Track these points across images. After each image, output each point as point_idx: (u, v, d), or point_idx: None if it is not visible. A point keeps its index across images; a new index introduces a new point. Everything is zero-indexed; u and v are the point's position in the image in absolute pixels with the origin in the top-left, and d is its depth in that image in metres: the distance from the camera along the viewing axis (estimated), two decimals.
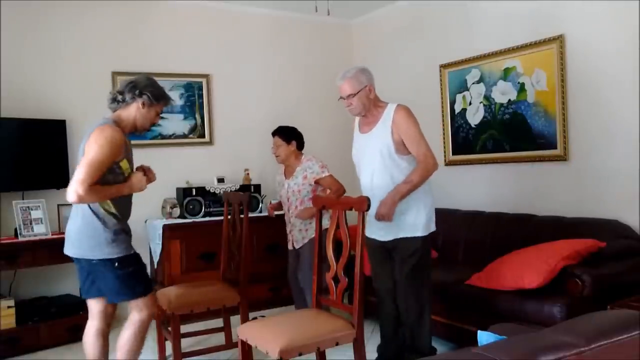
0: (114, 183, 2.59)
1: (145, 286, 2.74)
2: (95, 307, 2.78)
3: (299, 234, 3.81)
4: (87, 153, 2.50)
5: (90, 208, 2.59)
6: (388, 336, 3.14)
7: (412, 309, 2.98)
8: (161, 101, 2.77)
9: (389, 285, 3.07)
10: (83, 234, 2.61)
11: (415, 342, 3.01)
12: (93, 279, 2.71)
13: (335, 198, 3.57)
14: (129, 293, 2.67)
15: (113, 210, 2.63)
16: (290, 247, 3.93)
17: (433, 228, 3.04)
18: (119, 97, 2.69)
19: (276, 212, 4.13)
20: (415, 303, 2.97)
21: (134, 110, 2.70)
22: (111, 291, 2.68)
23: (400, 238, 2.94)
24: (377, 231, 3.00)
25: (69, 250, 2.70)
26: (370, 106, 2.97)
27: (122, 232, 2.66)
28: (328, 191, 3.74)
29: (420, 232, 2.94)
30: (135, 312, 2.72)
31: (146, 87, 2.70)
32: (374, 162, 2.94)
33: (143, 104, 2.69)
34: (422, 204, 2.94)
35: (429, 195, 2.99)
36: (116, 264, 2.60)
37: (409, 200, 2.89)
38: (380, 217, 2.87)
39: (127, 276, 2.64)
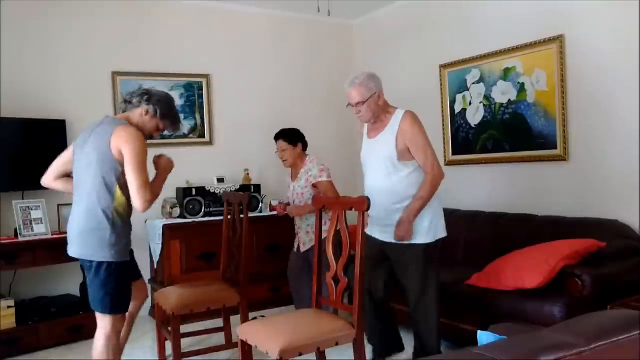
0: None
1: (122, 304, 2.68)
2: None
3: (307, 236, 3.76)
4: (128, 155, 2.50)
5: (101, 209, 2.56)
6: (371, 332, 3.15)
7: (421, 313, 2.98)
8: (165, 120, 2.78)
9: (376, 285, 3.06)
10: (86, 234, 2.58)
11: (424, 346, 3.00)
12: None
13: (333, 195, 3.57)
14: (105, 306, 2.62)
15: (122, 210, 2.61)
16: (296, 248, 3.87)
17: (441, 234, 2.98)
18: (128, 98, 2.74)
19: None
20: (423, 309, 2.97)
21: (137, 115, 2.72)
22: (93, 297, 2.64)
23: (400, 244, 2.92)
24: (380, 234, 3.00)
25: (71, 250, 2.67)
26: (379, 112, 2.94)
27: (125, 237, 2.64)
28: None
29: (421, 239, 2.90)
30: (103, 327, 2.66)
31: (159, 102, 2.74)
32: (379, 167, 2.94)
33: (147, 111, 2.72)
34: (424, 210, 2.90)
35: (434, 200, 2.94)
36: (111, 268, 2.57)
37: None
38: (400, 239, 2.87)
39: (111, 289, 2.59)
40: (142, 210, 2.55)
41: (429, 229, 2.91)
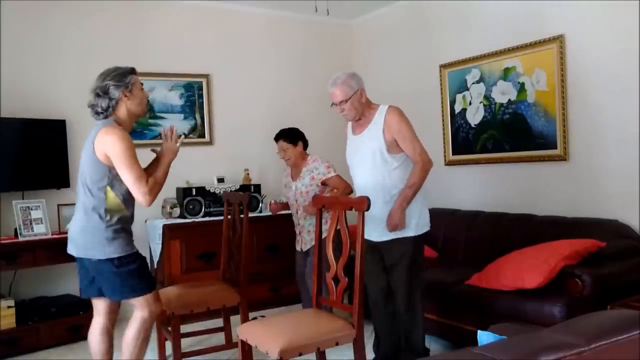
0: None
1: (147, 284, 2.70)
2: (100, 304, 2.78)
3: (308, 235, 3.78)
4: (115, 156, 2.50)
5: (95, 211, 2.58)
6: (382, 335, 3.15)
7: (406, 309, 2.99)
8: (128, 77, 2.65)
9: (381, 284, 3.08)
10: (86, 233, 2.61)
11: (410, 342, 3.02)
12: (93, 277, 2.69)
13: (343, 190, 3.62)
14: (129, 291, 2.65)
15: (116, 211, 2.61)
16: (298, 248, 3.90)
17: (426, 228, 3.04)
18: (98, 109, 2.64)
19: (280, 212, 4.11)
20: (409, 304, 2.98)
21: (124, 107, 2.66)
22: (112, 290, 2.66)
23: (392, 239, 2.95)
24: (370, 232, 2.99)
25: (71, 249, 2.70)
26: (362, 110, 3.01)
27: (123, 231, 2.65)
28: (335, 191, 3.73)
29: (411, 232, 2.95)
30: (137, 310, 2.71)
31: (104, 79, 2.62)
32: (367, 163, 2.97)
33: (125, 95, 2.64)
34: (412, 203, 2.94)
35: (421, 195, 2.99)
36: (116, 263, 2.60)
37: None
38: (394, 228, 2.89)
39: (127, 274, 2.62)
40: (147, 204, 2.56)
41: (418, 223, 2.96)
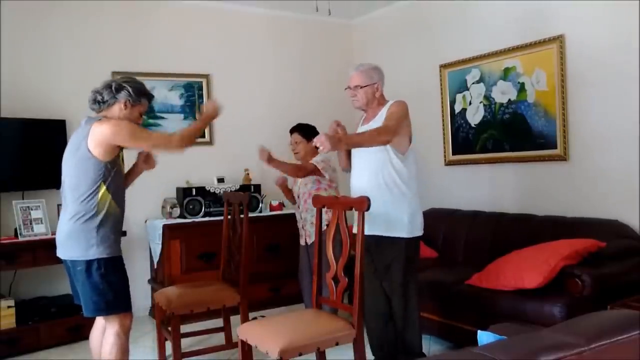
0: (115, 172, 2.61)
1: (121, 303, 2.63)
2: None
3: (312, 227, 3.80)
4: (126, 137, 2.56)
5: (85, 210, 2.55)
6: (375, 331, 3.10)
7: (400, 312, 2.96)
8: (142, 98, 2.71)
9: (368, 282, 3.04)
10: (73, 232, 2.57)
11: (406, 344, 2.99)
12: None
13: (292, 168, 3.73)
14: (99, 309, 2.60)
15: (107, 209, 2.59)
16: (302, 242, 3.93)
17: (418, 232, 2.99)
18: (99, 97, 2.65)
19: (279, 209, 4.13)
20: (405, 306, 2.95)
21: (117, 112, 2.66)
22: (86, 301, 2.60)
23: (382, 236, 2.91)
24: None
25: (60, 252, 2.66)
26: (373, 103, 3.05)
27: (113, 233, 2.63)
28: (328, 190, 3.76)
29: (403, 233, 2.90)
30: (109, 326, 2.66)
31: (126, 82, 2.68)
32: (365, 156, 2.98)
33: (125, 104, 2.65)
34: (405, 203, 2.92)
35: (416, 198, 2.97)
36: (101, 268, 2.55)
37: (393, 197, 2.90)
38: (319, 141, 2.73)
39: (106, 287, 2.57)
40: (183, 149, 2.71)
41: (409, 224, 2.91)
